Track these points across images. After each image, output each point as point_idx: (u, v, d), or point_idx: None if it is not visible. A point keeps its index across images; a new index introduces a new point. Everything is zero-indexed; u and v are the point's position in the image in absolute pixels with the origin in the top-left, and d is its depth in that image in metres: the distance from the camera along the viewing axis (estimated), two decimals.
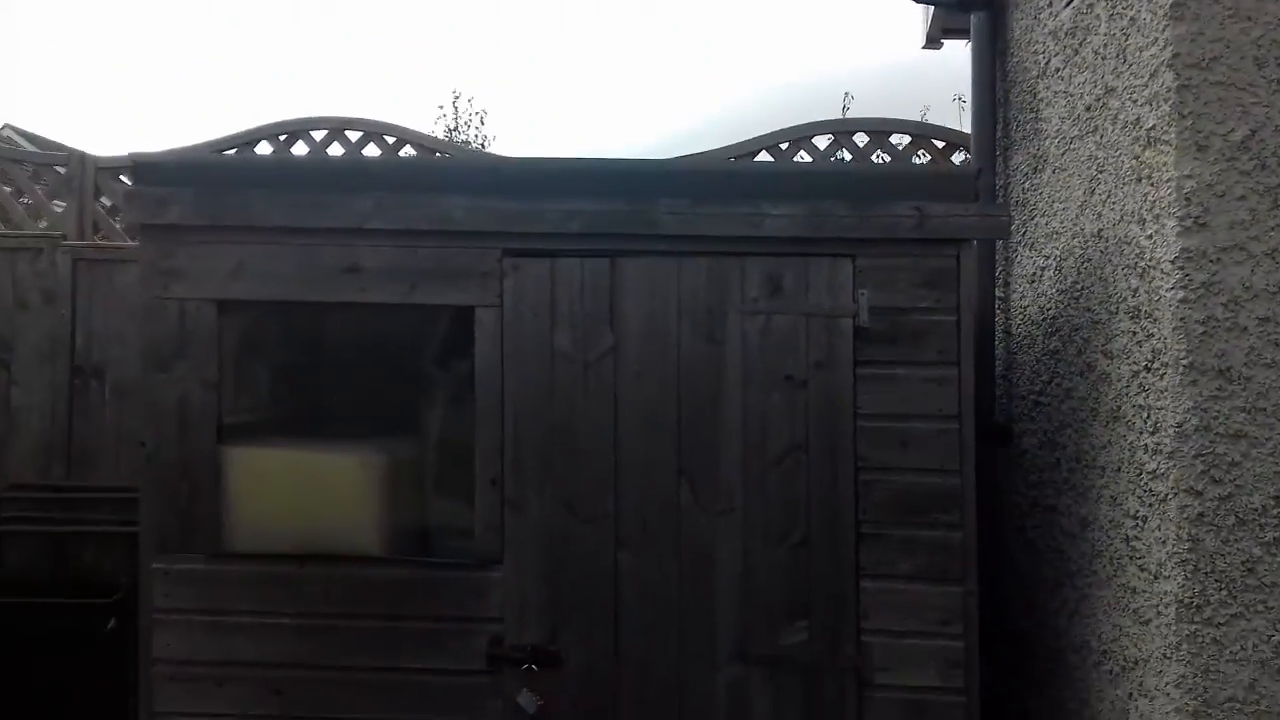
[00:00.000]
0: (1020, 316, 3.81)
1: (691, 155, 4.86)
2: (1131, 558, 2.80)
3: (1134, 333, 2.80)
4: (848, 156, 5.00)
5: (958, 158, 4.91)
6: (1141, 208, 2.76)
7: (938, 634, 3.02)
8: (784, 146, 4.93)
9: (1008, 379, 3.91)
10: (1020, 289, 3.82)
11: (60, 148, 5.66)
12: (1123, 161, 2.90)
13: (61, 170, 5.25)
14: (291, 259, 3.20)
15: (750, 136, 4.99)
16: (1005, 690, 3.68)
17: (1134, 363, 2.79)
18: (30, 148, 6.26)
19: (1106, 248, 3.02)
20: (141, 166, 3.27)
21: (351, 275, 3.19)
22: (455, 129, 17.34)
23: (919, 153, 4.92)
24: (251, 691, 3.13)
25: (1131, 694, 2.78)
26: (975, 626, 3.02)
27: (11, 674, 4.32)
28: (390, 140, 5.13)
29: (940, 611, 3.03)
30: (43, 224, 5.37)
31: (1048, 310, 3.52)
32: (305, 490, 3.22)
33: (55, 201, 5.42)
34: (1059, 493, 3.35)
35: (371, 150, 5.16)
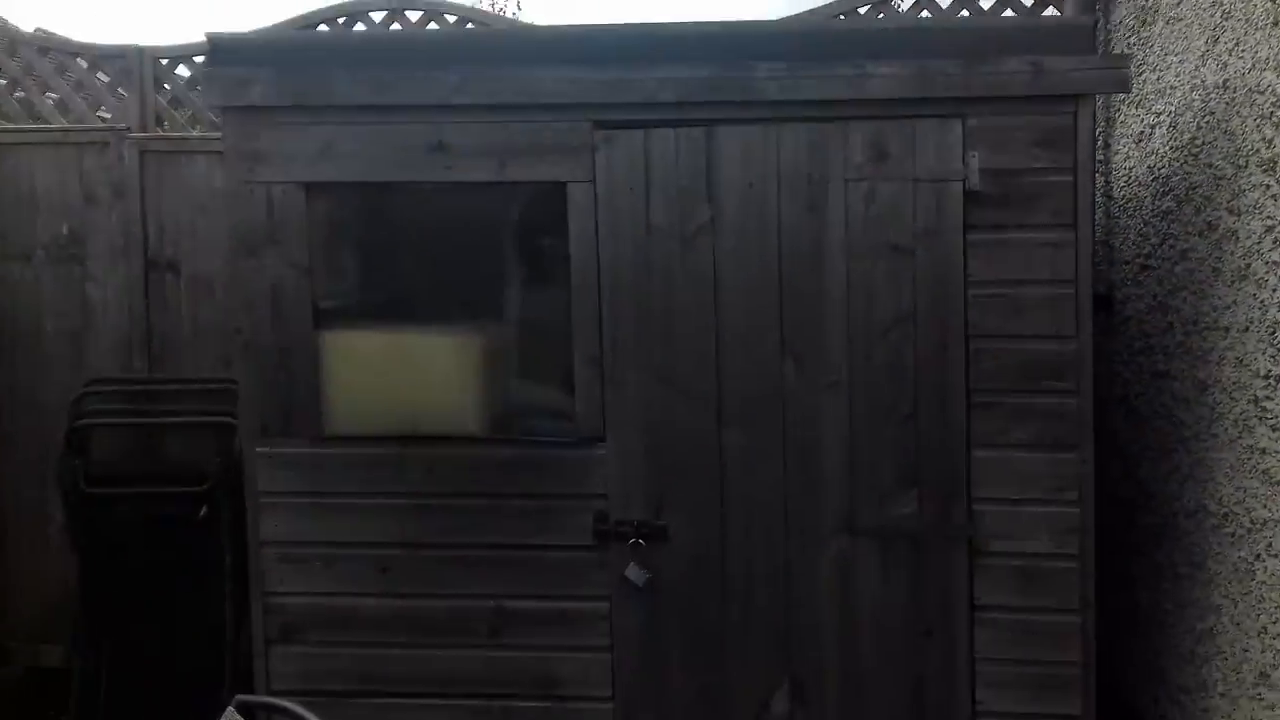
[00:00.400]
0: (1124, 179, 3.67)
1: (786, 17, 4.65)
2: (1261, 419, 2.72)
3: (1267, 186, 2.67)
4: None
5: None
6: (1278, 53, 2.60)
7: (1052, 501, 2.98)
8: (862, 10, 4.71)
9: (1108, 245, 3.79)
10: (1124, 150, 3.66)
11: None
12: (1255, 5, 2.72)
13: (120, 62, 5.14)
14: (378, 138, 3.11)
15: (822, 4, 4.77)
16: (1106, 556, 3.64)
17: (1267, 218, 2.67)
18: None
19: (1233, 99, 2.86)
20: (219, 46, 3.18)
21: (439, 153, 3.10)
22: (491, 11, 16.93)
23: (1005, 11, 4.68)
24: (358, 570, 3.16)
25: (1259, 555, 2.73)
26: (1091, 493, 2.97)
27: (111, 560, 4.41)
28: (451, 20, 4.96)
29: (1055, 479, 2.98)
30: (104, 116, 5.29)
31: (1159, 170, 3.37)
32: (403, 372, 3.20)
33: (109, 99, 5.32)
34: (1170, 358, 3.26)
35: None
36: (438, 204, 3.22)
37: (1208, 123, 3.02)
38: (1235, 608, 2.86)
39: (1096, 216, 3.83)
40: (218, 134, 4.70)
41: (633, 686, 3.11)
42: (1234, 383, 2.86)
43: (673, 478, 3.09)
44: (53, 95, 5.40)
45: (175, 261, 4.70)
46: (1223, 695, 2.89)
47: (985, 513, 3.00)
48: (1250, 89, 2.76)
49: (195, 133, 4.92)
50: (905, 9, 4.86)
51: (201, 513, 4.33)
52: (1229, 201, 2.88)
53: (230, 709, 2.09)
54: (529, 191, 3.14)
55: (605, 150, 3.07)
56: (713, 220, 3.06)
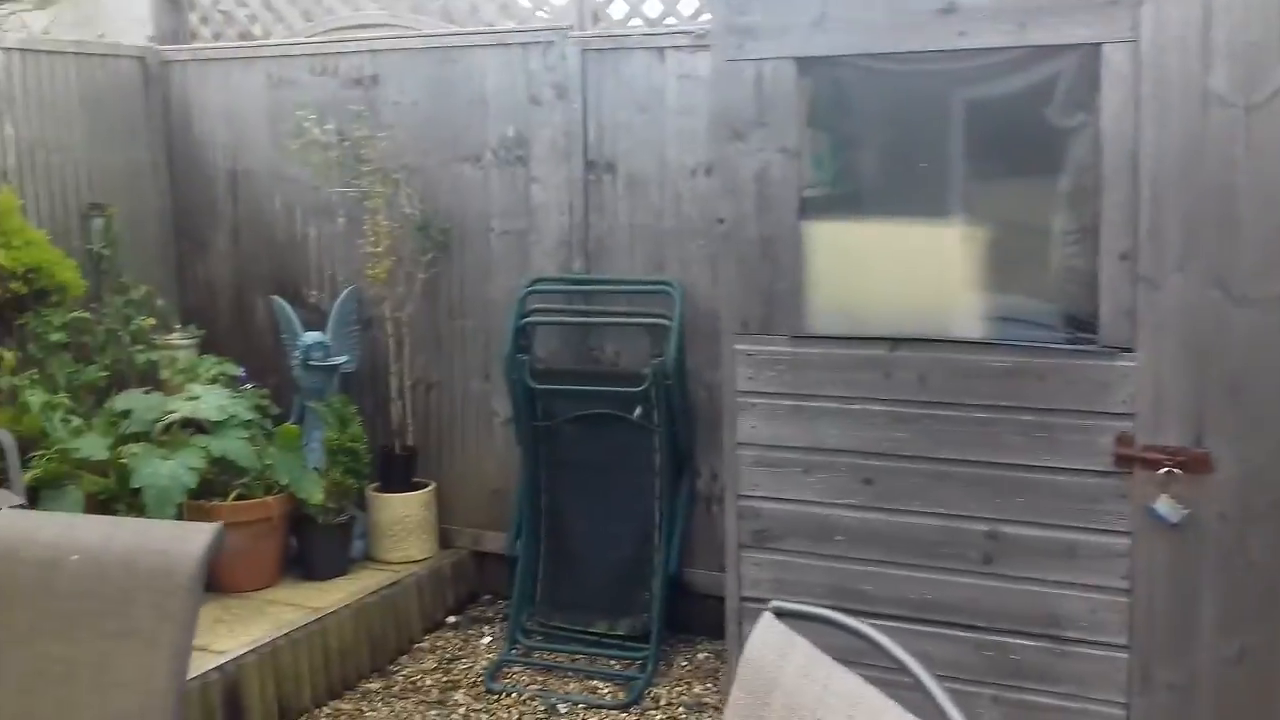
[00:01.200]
0: None
1: None
2: None
3: None
4: None
5: None
6: None
7: None
8: None
9: None
10: None
11: None
12: None
13: None
14: (878, 2, 2.80)
15: None
16: None
17: None
18: None
19: None
20: None
21: (947, 16, 2.74)
22: None
23: None
24: (839, 480, 2.93)
25: None
26: None
27: (551, 454, 4.52)
28: None
29: None
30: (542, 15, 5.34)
31: None
32: (892, 268, 2.91)
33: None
34: None
35: None
36: (940, 77, 2.86)
37: None
38: None
39: None
40: (654, 30, 4.62)
41: (1155, 638, 2.68)
42: None
43: (1221, 397, 2.59)
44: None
45: (613, 162, 4.65)
46: None
47: None
48: None
49: (637, 30, 4.83)
50: None
51: (636, 413, 4.33)
52: None
53: (767, 614, 1.89)
54: (1052, 57, 2.71)
55: (1152, 3, 2.57)
56: None
